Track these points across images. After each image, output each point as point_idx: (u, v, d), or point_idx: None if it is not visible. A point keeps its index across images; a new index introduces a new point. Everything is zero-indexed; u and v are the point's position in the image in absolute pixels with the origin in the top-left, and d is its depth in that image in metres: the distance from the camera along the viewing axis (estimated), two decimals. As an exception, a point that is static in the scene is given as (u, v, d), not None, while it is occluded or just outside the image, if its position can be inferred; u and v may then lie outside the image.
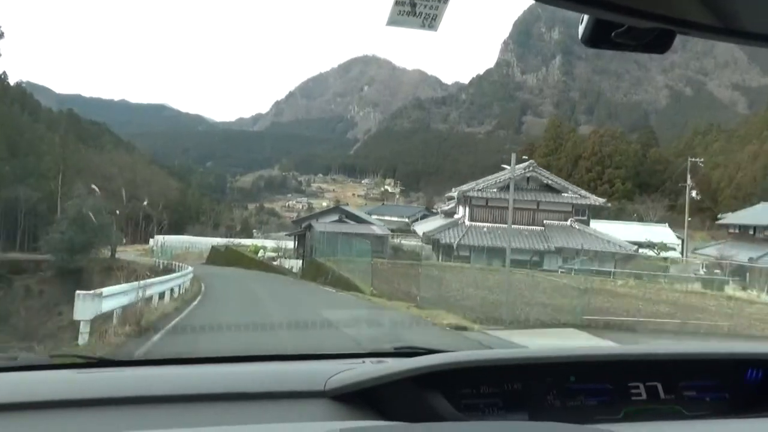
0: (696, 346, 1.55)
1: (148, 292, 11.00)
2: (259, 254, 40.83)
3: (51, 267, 30.46)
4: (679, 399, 1.38)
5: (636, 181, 70.37)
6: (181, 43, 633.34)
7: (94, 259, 27.24)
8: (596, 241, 28.23)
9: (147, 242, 54.27)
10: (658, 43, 0.66)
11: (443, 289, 16.51)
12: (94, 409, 1.23)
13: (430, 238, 31.14)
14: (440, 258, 28.92)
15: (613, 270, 23.41)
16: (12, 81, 76.80)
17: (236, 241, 51.80)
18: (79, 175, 40.12)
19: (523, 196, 29.14)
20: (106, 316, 8.59)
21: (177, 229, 61.47)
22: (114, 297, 8.73)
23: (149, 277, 18.03)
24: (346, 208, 45.87)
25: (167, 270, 24.81)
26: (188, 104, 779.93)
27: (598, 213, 34.82)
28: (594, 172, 69.83)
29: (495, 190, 30.55)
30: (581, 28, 0.67)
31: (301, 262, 33.53)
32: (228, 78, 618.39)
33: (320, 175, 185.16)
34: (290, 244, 42.17)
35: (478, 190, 30.77)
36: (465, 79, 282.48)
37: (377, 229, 33.78)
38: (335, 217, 36.33)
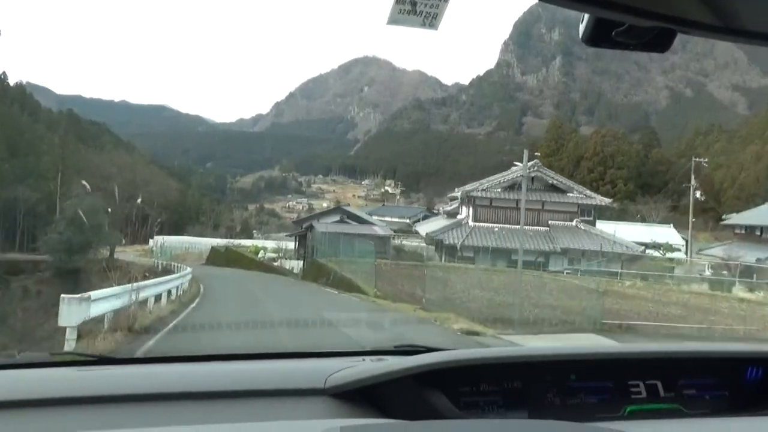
0: (696, 345, 1.55)
1: (143, 295, 10.53)
2: (260, 255, 40.56)
3: (49, 267, 30.17)
4: (679, 397, 1.38)
5: (638, 181, 70.09)
6: (181, 44, 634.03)
7: (92, 260, 26.86)
8: (602, 242, 27.79)
9: (147, 243, 54.02)
10: (659, 42, 0.66)
11: (448, 290, 16.17)
12: (94, 407, 1.22)
13: (433, 239, 30.73)
14: (443, 259, 28.53)
15: (620, 271, 23.00)
16: (12, 81, 76.90)
17: (236, 241, 51.52)
18: (79, 175, 39.84)
19: (528, 196, 28.81)
20: (97, 321, 8.12)
21: (177, 229, 61.21)
22: (104, 300, 8.21)
23: (148, 278, 17.63)
24: (348, 208, 45.47)
25: (166, 271, 24.49)
26: (188, 105, 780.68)
27: (601, 214, 34.50)
28: (596, 172, 69.51)
29: (499, 189, 30.18)
30: (582, 27, 0.67)
31: (302, 262, 33.22)
32: (228, 79, 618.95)
33: (320, 175, 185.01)
34: (291, 245, 41.88)
35: (482, 189, 30.38)
36: (465, 80, 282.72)
37: (379, 230, 33.39)
38: (336, 218, 35.97)
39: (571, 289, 16.06)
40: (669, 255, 30.83)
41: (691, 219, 38.49)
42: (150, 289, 11.67)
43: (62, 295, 7.59)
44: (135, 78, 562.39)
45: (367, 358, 1.61)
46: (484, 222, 29.74)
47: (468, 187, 31.54)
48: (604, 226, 31.73)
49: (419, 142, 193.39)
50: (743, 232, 36.94)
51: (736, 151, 70.70)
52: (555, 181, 30.83)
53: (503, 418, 1.27)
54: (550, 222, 29.91)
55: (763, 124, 74.80)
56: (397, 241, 38.63)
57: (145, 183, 47.84)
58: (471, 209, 30.54)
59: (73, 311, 7.29)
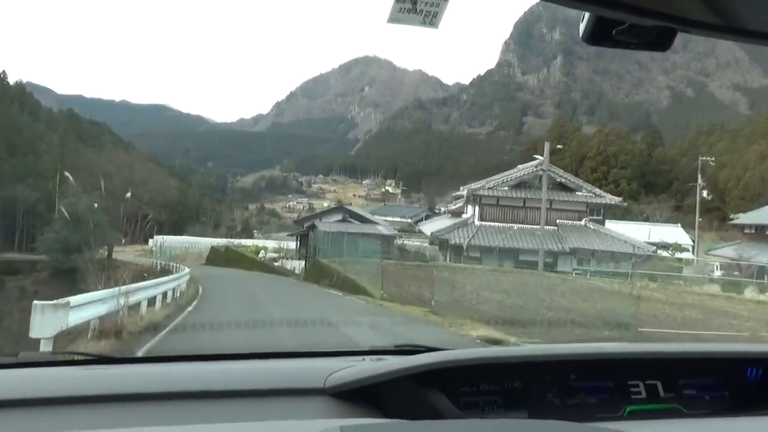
0: (696, 345, 1.53)
1: (134, 298, 9.77)
2: (260, 255, 40.14)
3: (46, 267, 29.80)
4: (678, 397, 1.38)
5: (641, 181, 69.55)
6: (182, 44, 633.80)
7: (90, 260, 26.33)
8: (612, 242, 27.05)
9: (147, 243, 53.64)
10: (660, 41, 0.66)
11: (456, 292, 15.63)
12: (95, 406, 1.23)
13: (438, 239, 30.09)
14: (448, 259, 27.91)
15: (630, 272, 22.42)
16: (12, 81, 76.61)
17: (236, 241, 51.14)
18: (77, 174, 39.42)
19: (535, 194, 28.17)
20: (82, 329, 7.41)
21: (177, 229, 60.86)
22: (86, 307, 7.36)
23: (146, 278, 17.05)
24: (350, 207, 44.86)
25: (164, 271, 24.01)
26: (189, 105, 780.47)
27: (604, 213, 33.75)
28: (599, 172, 68.93)
29: (506, 188, 29.55)
30: (582, 26, 0.67)
31: (303, 263, 32.70)
32: (229, 78, 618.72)
33: (321, 175, 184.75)
34: (292, 245, 41.41)
35: (489, 188, 29.73)
36: (466, 80, 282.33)
37: (383, 229, 32.77)
38: (339, 217, 35.34)
39: (584, 290, 15.51)
40: (678, 255, 30.25)
41: (697, 218, 37.96)
42: (142, 291, 10.86)
43: (34, 302, 6.66)
44: (136, 78, 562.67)
45: (367, 357, 1.58)
46: (491, 221, 29.10)
47: (474, 185, 30.88)
48: (612, 226, 31.05)
49: (420, 141, 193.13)
50: (753, 231, 36.38)
51: (739, 150, 70.17)
52: (563, 180, 30.14)
53: (503, 417, 1.27)
54: (558, 221, 29.24)
55: (766, 124, 74.25)
56: (399, 241, 38.13)
57: (144, 181, 47.38)
58: (477, 208, 29.88)
59: (47, 320, 6.39)
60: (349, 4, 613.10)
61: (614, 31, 0.64)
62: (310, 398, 1.29)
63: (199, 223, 66.56)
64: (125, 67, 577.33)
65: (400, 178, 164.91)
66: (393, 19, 1.00)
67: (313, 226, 33.09)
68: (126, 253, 44.24)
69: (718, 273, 27.00)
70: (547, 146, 15.01)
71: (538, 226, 28.91)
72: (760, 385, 1.44)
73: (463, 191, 32.54)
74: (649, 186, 67.37)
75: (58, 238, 26.60)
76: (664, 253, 29.90)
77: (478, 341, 7.25)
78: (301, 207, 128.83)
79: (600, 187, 55.32)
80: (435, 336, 7.75)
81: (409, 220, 58.30)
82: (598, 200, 29.68)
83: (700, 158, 39.43)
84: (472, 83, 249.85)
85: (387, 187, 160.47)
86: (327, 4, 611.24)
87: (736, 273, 25.49)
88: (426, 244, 37.25)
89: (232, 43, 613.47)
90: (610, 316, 11.77)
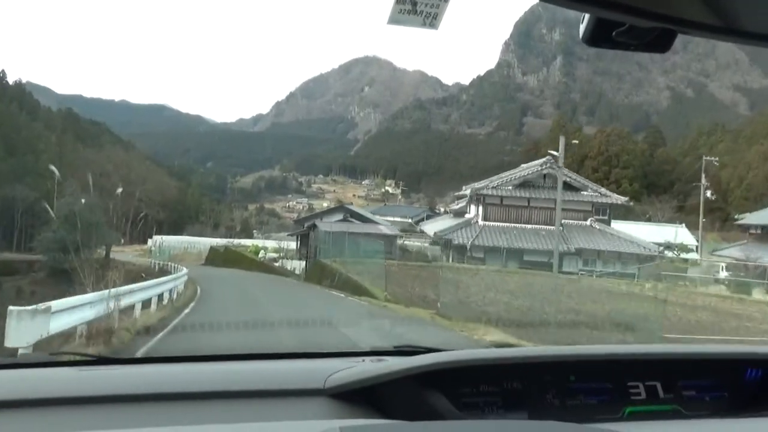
0: (695, 346, 1.54)
1: (127, 301, 9.25)
2: (260, 255, 39.79)
3: (44, 268, 29.46)
4: (678, 398, 1.38)
5: (643, 181, 69.21)
6: (181, 44, 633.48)
7: (88, 260, 25.91)
8: (619, 242, 26.53)
9: (146, 242, 53.35)
10: (659, 43, 0.66)
11: (461, 293, 15.24)
12: (94, 407, 1.23)
13: (441, 239, 29.65)
14: (451, 259, 27.50)
15: (636, 273, 22.01)
16: (11, 80, 76.42)
17: (236, 241, 50.84)
18: (75, 173, 39.08)
19: (539, 194, 27.79)
20: (68, 335, 6.89)
21: (176, 229, 60.58)
22: (71, 311, 6.75)
23: (143, 278, 16.62)
24: (351, 207, 44.44)
25: (163, 271, 23.66)
26: (189, 105, 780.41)
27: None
28: (601, 172, 68.56)
29: (510, 187, 29.10)
30: (582, 27, 0.67)
31: (304, 263, 32.33)
32: (228, 78, 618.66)
33: (321, 175, 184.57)
34: (292, 245, 41.04)
35: (493, 188, 29.27)
36: (466, 80, 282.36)
37: (385, 229, 32.34)
38: (340, 216, 34.92)
39: (589, 291, 15.09)
40: (684, 256, 29.85)
41: (701, 219, 37.59)
42: (136, 294, 10.31)
43: (10, 308, 6.02)
44: (135, 78, 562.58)
45: (367, 358, 1.57)
46: (495, 221, 28.65)
47: (477, 184, 30.42)
48: (617, 226, 30.57)
49: (420, 142, 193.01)
50: (759, 232, 35.98)
51: (741, 150, 69.87)
52: (568, 179, 29.63)
53: (503, 418, 1.27)
54: (563, 221, 28.81)
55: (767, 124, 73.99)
56: (399, 241, 37.76)
57: (142, 180, 46.92)
58: (480, 208, 29.44)
59: (24, 328, 5.73)
60: (349, 5, 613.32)
61: (614, 33, 0.65)
62: (310, 399, 1.28)
63: (198, 223, 66.26)
64: (125, 67, 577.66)
65: (399, 178, 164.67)
66: (393, 20, 0.99)
67: (313, 226, 32.68)
68: (125, 253, 43.86)
69: (724, 274, 26.62)
70: (561, 141, 14.50)
71: (543, 226, 28.63)
72: (760, 386, 1.43)
73: (466, 191, 32.10)
74: (651, 186, 67.02)
75: (54, 237, 26.19)
76: (670, 254, 29.48)
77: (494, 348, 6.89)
78: (301, 207, 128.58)
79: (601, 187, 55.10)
80: (449, 341, 7.37)
81: (410, 220, 57.99)
82: (604, 200, 29.17)
83: (704, 158, 39.04)
84: (471, 83, 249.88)
85: (387, 188, 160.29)
86: (327, 5, 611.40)
87: (742, 274, 25.12)
88: (426, 245, 36.87)
89: (231, 43, 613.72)
90: (623, 319, 11.37)
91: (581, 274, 22.14)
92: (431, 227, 35.07)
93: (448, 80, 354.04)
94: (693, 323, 13.05)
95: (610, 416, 1.32)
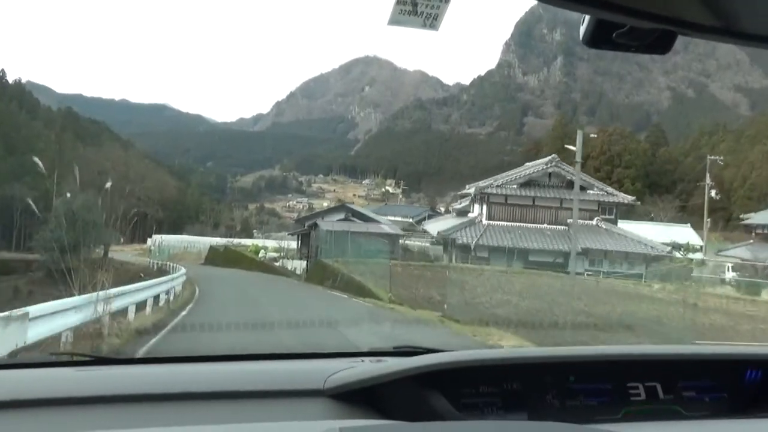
0: (695, 347, 1.53)
1: (119, 304, 8.69)
2: (260, 255, 39.46)
3: (41, 267, 29.15)
4: (678, 399, 1.38)
5: (645, 181, 68.86)
6: (182, 44, 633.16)
7: (85, 260, 25.53)
8: (626, 242, 26.01)
9: (146, 242, 53.08)
10: (660, 44, 0.66)
11: (467, 294, 14.86)
12: (94, 407, 1.23)
13: (444, 238, 29.22)
14: (454, 259, 27.08)
15: (644, 273, 21.58)
16: (11, 79, 76.23)
17: (236, 241, 50.55)
18: (73, 172, 38.62)
19: (545, 193, 27.34)
20: (52, 341, 6.32)
21: (176, 228, 60.33)
22: (53, 317, 6.17)
23: (142, 278, 16.21)
24: (352, 206, 44.01)
25: (161, 271, 23.29)
26: (189, 104, 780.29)
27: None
28: (603, 171, 68.16)
29: (515, 186, 28.65)
30: (582, 29, 0.67)
31: (305, 263, 31.94)
32: (229, 78, 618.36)
33: (321, 175, 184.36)
34: (293, 244, 40.65)
35: (497, 186, 28.83)
36: (466, 80, 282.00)
37: (388, 228, 31.90)
38: (341, 216, 34.48)
39: (597, 292, 14.68)
40: (690, 256, 29.45)
41: (706, 219, 37.26)
42: (129, 295, 9.74)
43: None
44: (136, 77, 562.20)
45: (367, 359, 1.58)
46: (499, 220, 28.22)
47: (482, 183, 29.98)
48: (623, 225, 30.09)
49: (420, 141, 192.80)
50: (765, 232, 35.63)
51: (743, 150, 69.55)
52: (574, 177, 29.22)
53: (502, 419, 1.28)
54: (568, 220, 28.36)
55: (771, 124, 73.65)
56: (400, 241, 37.33)
57: (141, 178, 46.53)
58: (485, 207, 29.02)
59: None
60: (349, 5, 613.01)
61: (614, 34, 0.65)
62: (310, 399, 1.28)
63: (198, 223, 66.01)
64: (125, 67, 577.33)
65: (399, 178, 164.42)
66: (394, 21, 0.99)
67: (314, 225, 32.26)
68: (125, 253, 43.54)
69: (731, 274, 26.25)
70: (579, 136, 14.05)
71: (548, 226, 28.22)
72: (760, 387, 1.42)
73: (470, 189, 31.67)
74: (654, 186, 66.68)
75: (52, 236, 25.80)
76: (676, 254, 29.06)
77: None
78: (301, 207, 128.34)
79: (604, 187, 54.67)
80: (463, 347, 6.99)
81: (410, 220, 57.68)
82: (610, 199, 28.69)
83: (709, 157, 38.67)
84: (472, 83, 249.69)
85: (387, 187, 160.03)
86: (328, 5, 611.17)
87: (747, 274, 24.75)
88: (427, 244, 36.48)
89: (232, 42, 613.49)
90: (645, 323, 10.96)
91: (588, 274, 21.72)
92: (434, 227, 34.65)
93: (449, 80, 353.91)
94: (707, 326, 12.66)
95: (610, 417, 1.31)
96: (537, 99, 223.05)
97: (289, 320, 9.72)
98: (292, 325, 8.65)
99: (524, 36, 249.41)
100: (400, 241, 32.15)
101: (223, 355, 1.73)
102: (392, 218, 52.36)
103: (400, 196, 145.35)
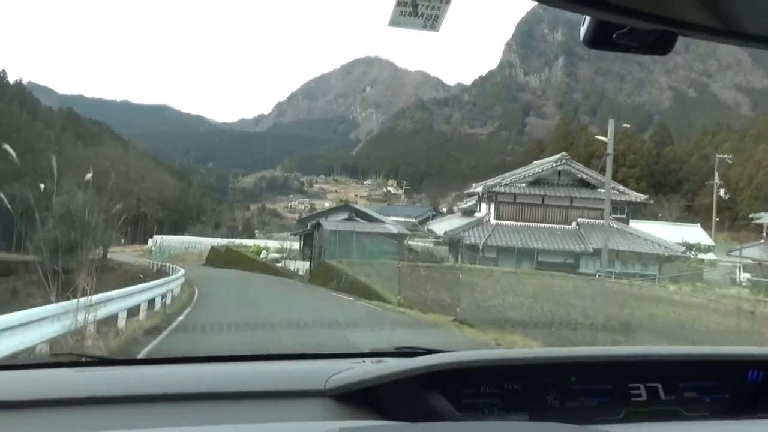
0: (696, 348, 1.54)
1: (106, 311, 8.04)
2: (262, 255, 38.93)
3: (39, 268, 28.56)
4: (679, 400, 1.39)
5: (650, 180, 68.24)
6: (183, 44, 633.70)
7: (84, 261, 25.01)
8: (639, 242, 25.26)
9: (147, 242, 52.73)
10: (660, 45, 0.66)
11: (478, 296, 14.27)
12: (95, 408, 1.23)
13: (452, 239, 28.57)
14: (460, 260, 26.44)
15: (657, 274, 20.96)
16: (12, 80, 76.02)
17: (237, 241, 50.10)
18: (73, 172, 38.12)
19: (554, 191, 26.68)
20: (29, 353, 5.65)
21: (177, 229, 60.01)
22: (24, 329, 5.41)
23: (142, 280, 15.59)
24: (356, 205, 43.40)
25: (161, 272, 22.74)
26: (190, 105, 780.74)
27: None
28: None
29: (524, 185, 27.98)
30: (583, 30, 0.68)
31: (308, 264, 31.34)
32: (230, 79, 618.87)
33: (322, 175, 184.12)
34: (295, 245, 40.06)
35: (505, 185, 28.17)
36: (467, 81, 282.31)
37: (393, 228, 31.28)
38: (345, 215, 33.87)
39: (612, 294, 14.07)
40: (702, 256, 28.80)
41: (714, 218, 36.63)
42: (116, 301, 8.96)
43: None
44: (137, 78, 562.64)
45: (368, 359, 1.58)
46: (508, 220, 27.57)
47: (490, 182, 29.32)
48: (635, 225, 29.37)
49: (421, 142, 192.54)
50: (778, 230, 34.95)
51: (747, 150, 68.99)
52: (584, 176, 28.54)
53: (503, 420, 1.28)
54: (578, 220, 27.70)
55: (774, 123, 73.09)
56: (405, 242, 36.71)
57: (141, 178, 45.98)
58: (492, 206, 28.37)
59: None
60: (350, 5, 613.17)
61: (615, 35, 0.65)
62: (311, 400, 1.29)
63: (199, 223, 65.63)
64: (126, 68, 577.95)
65: (401, 178, 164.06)
66: (394, 22, 1.00)
67: (318, 225, 31.65)
68: (125, 253, 43.06)
69: (745, 275, 25.61)
70: (611, 125, 13.35)
71: (558, 225, 27.57)
72: (761, 388, 1.43)
73: (477, 188, 31.02)
74: (658, 185, 66.07)
75: (50, 237, 25.26)
76: (690, 254, 28.37)
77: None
78: (303, 207, 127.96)
79: (608, 187, 53.89)
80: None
81: (413, 220, 57.08)
82: (623, 197, 27.99)
83: (717, 156, 38.05)
84: (473, 84, 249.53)
85: (388, 188, 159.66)
86: (329, 5, 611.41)
87: (761, 274, 24.10)
88: (430, 245, 35.87)
89: (233, 43, 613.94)
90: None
91: (599, 275, 21.11)
92: (440, 226, 34.00)
93: (450, 80, 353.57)
94: (732, 330, 12.04)
95: (611, 417, 1.31)
96: (538, 99, 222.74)
97: (290, 322, 9.13)
98: (293, 325, 8.30)
99: (525, 36, 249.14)
100: (406, 241, 31.50)
101: (224, 356, 1.71)
102: (395, 218, 51.82)
103: (403, 196, 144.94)
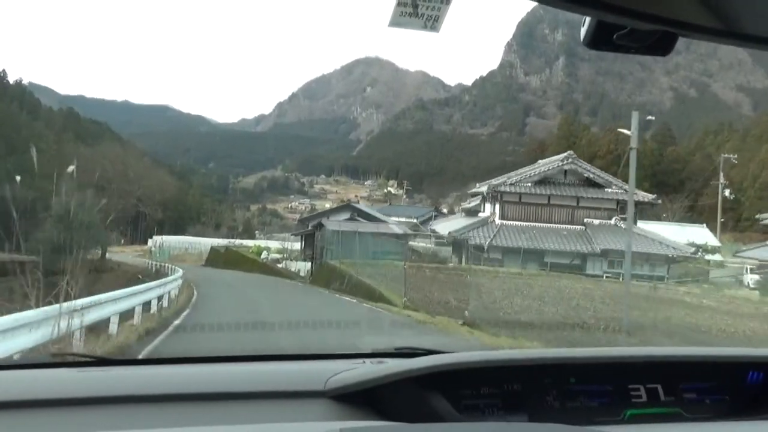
0: (697, 349, 1.55)
1: (94, 316, 7.54)
2: (263, 256, 38.62)
3: (38, 268, 28.21)
4: (679, 401, 1.39)
5: (653, 180, 67.86)
6: (184, 45, 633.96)
7: (82, 261, 24.63)
8: (647, 243, 24.81)
9: (147, 242, 52.46)
10: (660, 46, 0.66)
11: (485, 298, 13.90)
12: (94, 408, 1.24)
13: (456, 239, 28.16)
14: (464, 261, 26.03)
15: (666, 276, 20.57)
16: (12, 80, 75.87)
17: (237, 241, 49.80)
18: (72, 172, 37.67)
19: (560, 191, 26.27)
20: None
21: (177, 229, 59.76)
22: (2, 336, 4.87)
23: (141, 281, 15.22)
24: (358, 205, 42.99)
25: (160, 272, 22.38)
26: (191, 105, 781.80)
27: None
28: (609, 171, 67.08)
29: (529, 184, 27.59)
30: (583, 30, 0.68)
31: (309, 264, 30.96)
32: (231, 79, 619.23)
33: (323, 176, 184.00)
34: (296, 245, 39.69)
35: (511, 184, 27.75)
36: (468, 81, 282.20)
37: (396, 228, 30.89)
38: (347, 215, 33.47)
39: (621, 295, 13.65)
40: (709, 257, 28.42)
41: (719, 219, 36.25)
42: (107, 306, 8.44)
43: None
44: (137, 78, 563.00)
45: (368, 360, 1.58)
46: (513, 220, 27.16)
47: (495, 181, 28.92)
48: (642, 225, 28.92)
49: (422, 142, 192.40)
50: (786, 231, 34.50)
51: (750, 150, 68.62)
52: (591, 175, 28.15)
53: (503, 420, 1.28)
54: (585, 220, 27.26)
55: (777, 123, 72.72)
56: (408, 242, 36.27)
57: (140, 178, 45.62)
58: (497, 206, 27.96)
59: None
60: (351, 6, 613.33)
61: (615, 36, 0.65)
62: (311, 401, 1.29)
63: (199, 224, 65.36)
64: (127, 68, 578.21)
65: (402, 179, 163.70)
66: (394, 23, 1.00)
67: (319, 225, 31.25)
68: (125, 254, 42.74)
69: (754, 276, 25.24)
70: (634, 117, 12.90)
71: (565, 225, 27.14)
72: (761, 389, 1.43)
73: (481, 188, 30.62)
74: (661, 185, 65.63)
75: (48, 237, 24.92)
76: (698, 255, 27.93)
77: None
78: (303, 207, 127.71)
79: (611, 187, 53.64)
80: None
81: (415, 221, 56.69)
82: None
83: (722, 155, 37.68)
84: (474, 84, 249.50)
85: (389, 188, 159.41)
86: (329, 6, 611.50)
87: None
88: (432, 246, 35.47)
89: (234, 43, 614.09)
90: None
91: (607, 276, 20.77)
92: (443, 227, 33.60)
93: (451, 81, 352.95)
94: (748, 334, 11.66)
95: (611, 419, 1.31)
96: (539, 99, 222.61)
97: (299, 333, 8.68)
98: (292, 326, 8.15)
99: (526, 36, 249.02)
100: (409, 241, 31.08)
101: (224, 356, 1.70)
102: (397, 219, 51.46)
103: (404, 196, 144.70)
